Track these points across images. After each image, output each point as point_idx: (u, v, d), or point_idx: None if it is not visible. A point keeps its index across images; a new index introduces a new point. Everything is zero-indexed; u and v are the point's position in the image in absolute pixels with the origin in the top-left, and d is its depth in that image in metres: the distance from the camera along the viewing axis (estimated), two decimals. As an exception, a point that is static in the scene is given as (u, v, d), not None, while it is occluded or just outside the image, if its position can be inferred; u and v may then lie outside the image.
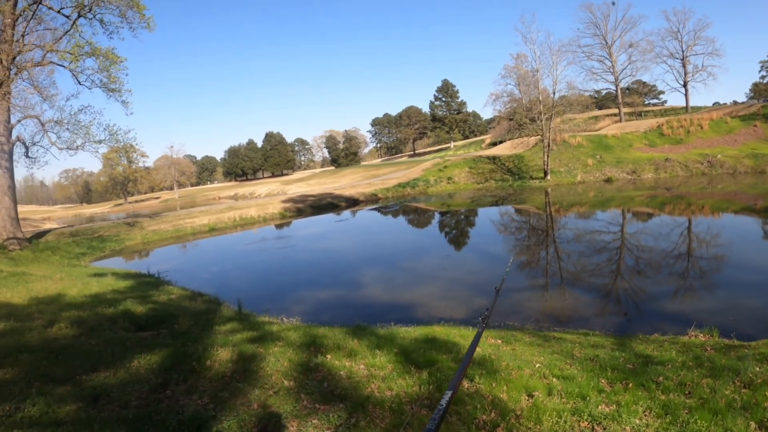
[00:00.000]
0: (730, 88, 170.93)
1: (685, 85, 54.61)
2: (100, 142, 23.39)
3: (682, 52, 54.06)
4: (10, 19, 19.36)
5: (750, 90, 67.59)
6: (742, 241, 15.66)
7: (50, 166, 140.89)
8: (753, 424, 3.82)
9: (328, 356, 5.76)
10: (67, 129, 22.58)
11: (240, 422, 4.08)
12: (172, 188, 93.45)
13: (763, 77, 62.82)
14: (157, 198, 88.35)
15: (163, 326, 7.76)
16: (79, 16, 20.83)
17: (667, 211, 22.47)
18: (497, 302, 3.04)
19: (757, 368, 4.95)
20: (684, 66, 54.31)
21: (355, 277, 14.69)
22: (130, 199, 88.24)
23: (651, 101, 77.21)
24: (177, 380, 5.02)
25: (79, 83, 22.03)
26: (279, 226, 30.62)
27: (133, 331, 7.40)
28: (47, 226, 37.72)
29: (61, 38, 21.02)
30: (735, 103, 54.97)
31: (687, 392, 4.55)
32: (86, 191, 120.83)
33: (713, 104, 58.49)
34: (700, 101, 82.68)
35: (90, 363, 5.57)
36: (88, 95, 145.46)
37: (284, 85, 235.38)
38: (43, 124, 22.34)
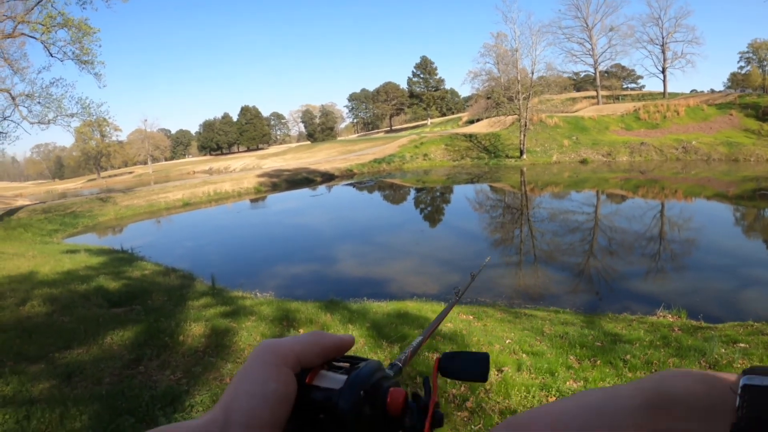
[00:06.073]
0: (708, 76, 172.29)
1: (663, 71, 54.85)
2: (72, 115, 22.88)
3: (662, 38, 54.06)
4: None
5: (728, 79, 67.38)
6: (713, 226, 15.86)
7: (21, 141, 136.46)
8: (716, 404, 3.92)
9: (301, 330, 5.81)
10: (39, 103, 22.03)
11: (213, 396, 4.11)
12: (146, 163, 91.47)
13: (741, 68, 63.18)
14: (131, 173, 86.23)
15: (136, 302, 7.72)
16: (51, -15, 20.10)
17: (641, 194, 22.82)
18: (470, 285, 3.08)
19: (723, 349, 5.08)
20: (663, 52, 54.39)
21: (330, 252, 14.69)
22: (103, 174, 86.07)
23: (629, 85, 77.34)
24: (150, 356, 5.04)
25: (51, 55, 21.40)
26: (254, 201, 30.40)
27: (107, 308, 7.34)
28: (19, 202, 36.71)
29: (32, 9, 20.19)
30: (712, 91, 54.96)
31: (653, 370, 4.65)
32: (59, 166, 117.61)
33: (690, 91, 58.59)
34: (677, 88, 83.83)
35: (63, 340, 5.57)
36: (60, 68, 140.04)
37: (260, 59, 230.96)
38: (13, 98, 21.60)
